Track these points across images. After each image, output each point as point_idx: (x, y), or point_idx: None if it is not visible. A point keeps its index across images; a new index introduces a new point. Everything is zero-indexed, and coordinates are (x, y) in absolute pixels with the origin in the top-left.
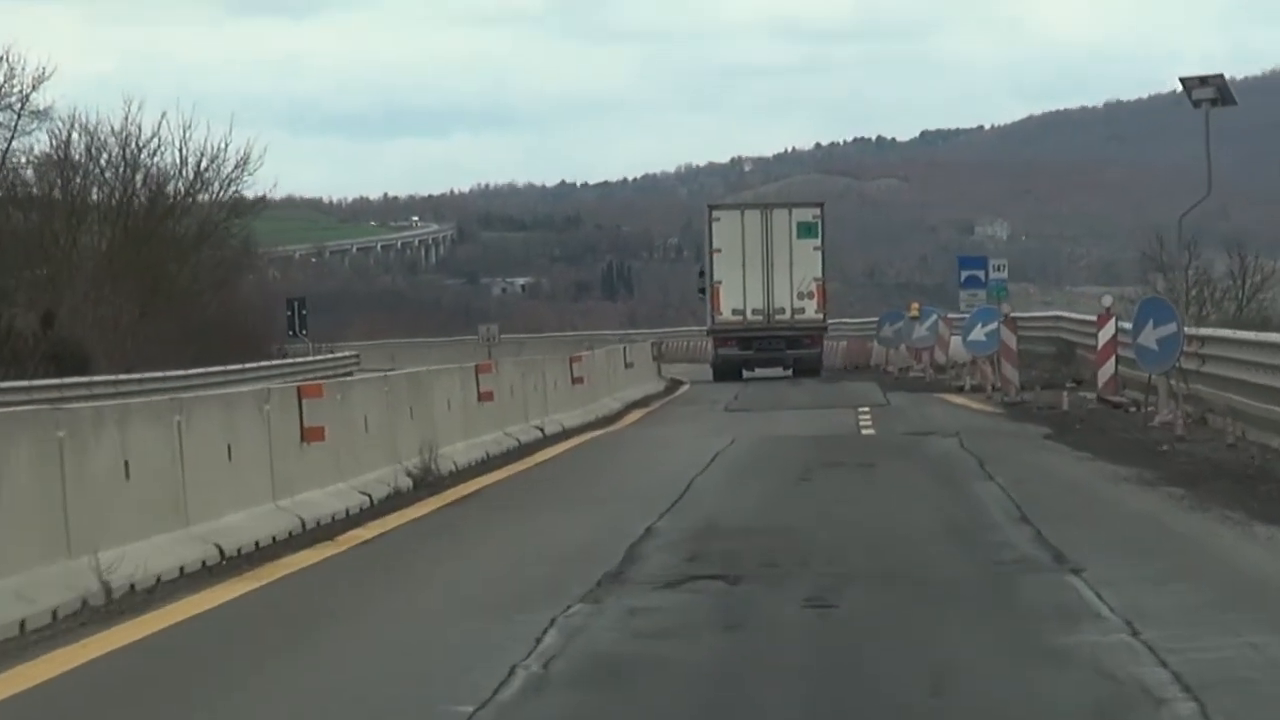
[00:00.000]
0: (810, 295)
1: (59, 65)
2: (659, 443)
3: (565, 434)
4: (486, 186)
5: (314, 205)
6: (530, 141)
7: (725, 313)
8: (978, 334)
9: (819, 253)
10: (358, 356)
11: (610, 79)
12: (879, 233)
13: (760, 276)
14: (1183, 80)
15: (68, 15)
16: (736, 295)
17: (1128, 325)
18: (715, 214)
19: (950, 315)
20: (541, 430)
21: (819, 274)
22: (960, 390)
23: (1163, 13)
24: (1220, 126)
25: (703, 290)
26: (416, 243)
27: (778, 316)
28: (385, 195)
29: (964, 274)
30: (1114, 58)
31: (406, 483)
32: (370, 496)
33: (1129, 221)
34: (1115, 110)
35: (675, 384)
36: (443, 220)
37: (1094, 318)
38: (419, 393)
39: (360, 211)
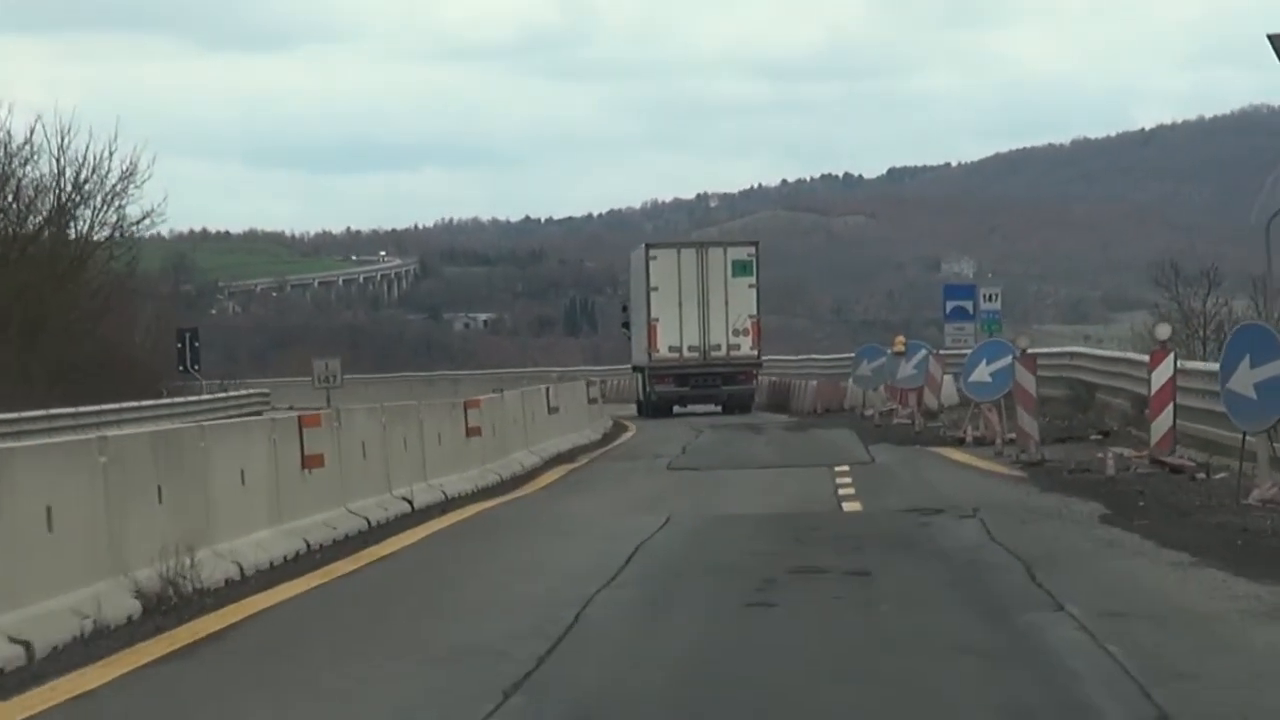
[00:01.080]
0: (745, 332)
1: (22, 99)
2: (564, 524)
3: (446, 505)
4: (451, 221)
5: (276, 239)
6: (496, 177)
7: (662, 350)
8: (981, 374)
9: (754, 290)
10: (267, 394)
11: (578, 114)
12: (846, 269)
13: (696, 314)
14: (1270, 37)
15: (36, 51)
16: (673, 332)
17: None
18: (652, 253)
19: (940, 351)
20: (410, 502)
21: (754, 311)
22: (960, 443)
23: (1131, 52)
24: (1189, 165)
25: (626, 326)
26: (379, 277)
27: (713, 353)
28: (349, 229)
29: (949, 305)
30: (1081, 96)
31: (119, 611)
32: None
33: (1096, 260)
34: (1082, 148)
35: (619, 429)
36: (406, 255)
37: (1113, 354)
38: (181, 464)
39: (323, 245)
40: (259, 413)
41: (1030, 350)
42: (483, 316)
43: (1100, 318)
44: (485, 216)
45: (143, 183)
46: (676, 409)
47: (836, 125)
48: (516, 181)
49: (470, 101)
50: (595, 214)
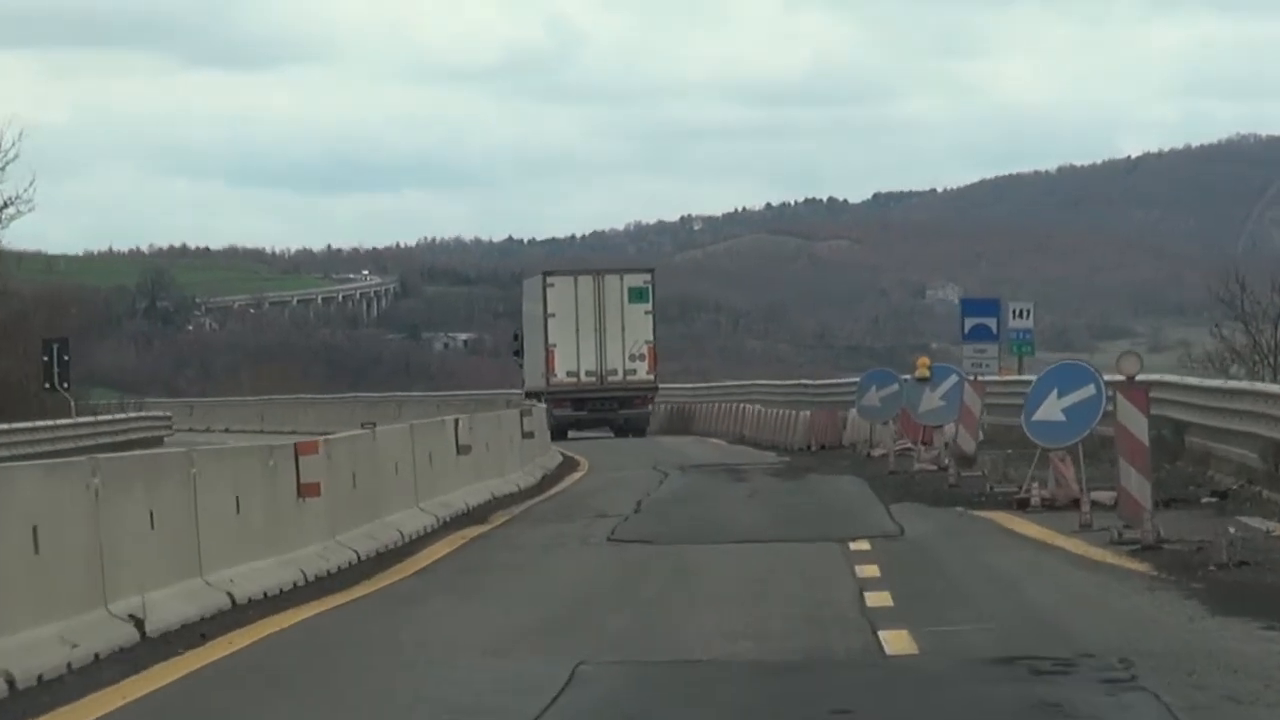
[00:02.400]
0: (642, 357)
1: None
2: (375, 684)
3: (226, 616)
4: (433, 241)
5: (256, 256)
6: (480, 198)
7: (560, 374)
8: (1051, 410)
9: (650, 316)
10: (169, 418)
11: (562, 136)
12: (829, 294)
13: (593, 340)
14: None
15: (25, 66)
16: (570, 358)
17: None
18: (550, 280)
19: (978, 377)
20: (139, 624)
21: (650, 337)
22: (1022, 506)
23: (1117, 81)
24: (1174, 195)
25: (518, 354)
26: (358, 295)
27: (610, 378)
28: (329, 247)
29: (968, 323)
30: (1067, 123)
31: None
32: None
33: (1081, 287)
34: (1068, 175)
35: (567, 468)
36: (386, 274)
37: (1223, 384)
38: None
39: (303, 263)
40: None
41: (1139, 378)
42: (463, 336)
43: (1086, 346)
44: (468, 236)
45: (6, 163)
46: (572, 433)
47: (822, 150)
48: (500, 202)
49: (454, 122)
50: (578, 235)
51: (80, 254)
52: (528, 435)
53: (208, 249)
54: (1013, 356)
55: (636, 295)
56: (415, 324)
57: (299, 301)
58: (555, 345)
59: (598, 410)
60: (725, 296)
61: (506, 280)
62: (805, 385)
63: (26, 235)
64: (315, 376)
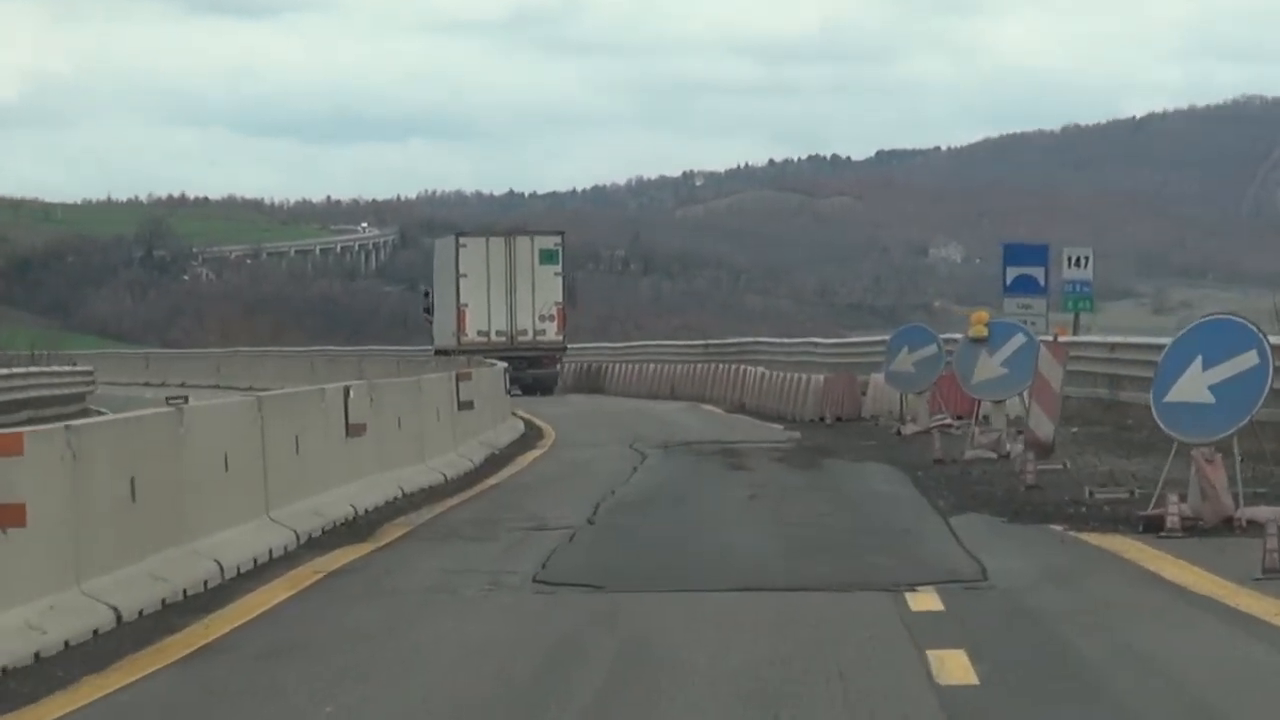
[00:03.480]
0: (551, 318)
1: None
2: None
3: None
4: (434, 194)
5: (255, 206)
6: (482, 150)
7: (471, 334)
8: (1193, 388)
9: (560, 278)
10: (90, 372)
11: (566, 91)
12: (831, 251)
13: (504, 300)
14: None
15: (28, 13)
16: (482, 317)
17: None
18: (462, 241)
19: (1061, 338)
20: None
21: (559, 298)
22: (1157, 527)
23: (1122, 41)
24: (1178, 156)
25: (428, 311)
26: (357, 247)
27: (520, 338)
28: (328, 198)
29: (1011, 274)
30: (1072, 83)
31: None
32: None
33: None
34: (1073, 135)
35: (527, 440)
36: (386, 226)
37: None
38: None
39: (302, 214)
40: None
41: None
42: None
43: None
44: (469, 189)
45: None
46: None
47: (825, 108)
48: (501, 156)
49: (458, 75)
50: (579, 189)
51: (79, 202)
52: (465, 406)
53: (206, 199)
54: (1067, 314)
55: (547, 257)
56: (414, 276)
57: (297, 252)
58: (467, 305)
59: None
60: (726, 252)
61: (507, 232)
62: (815, 345)
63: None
64: (311, 328)
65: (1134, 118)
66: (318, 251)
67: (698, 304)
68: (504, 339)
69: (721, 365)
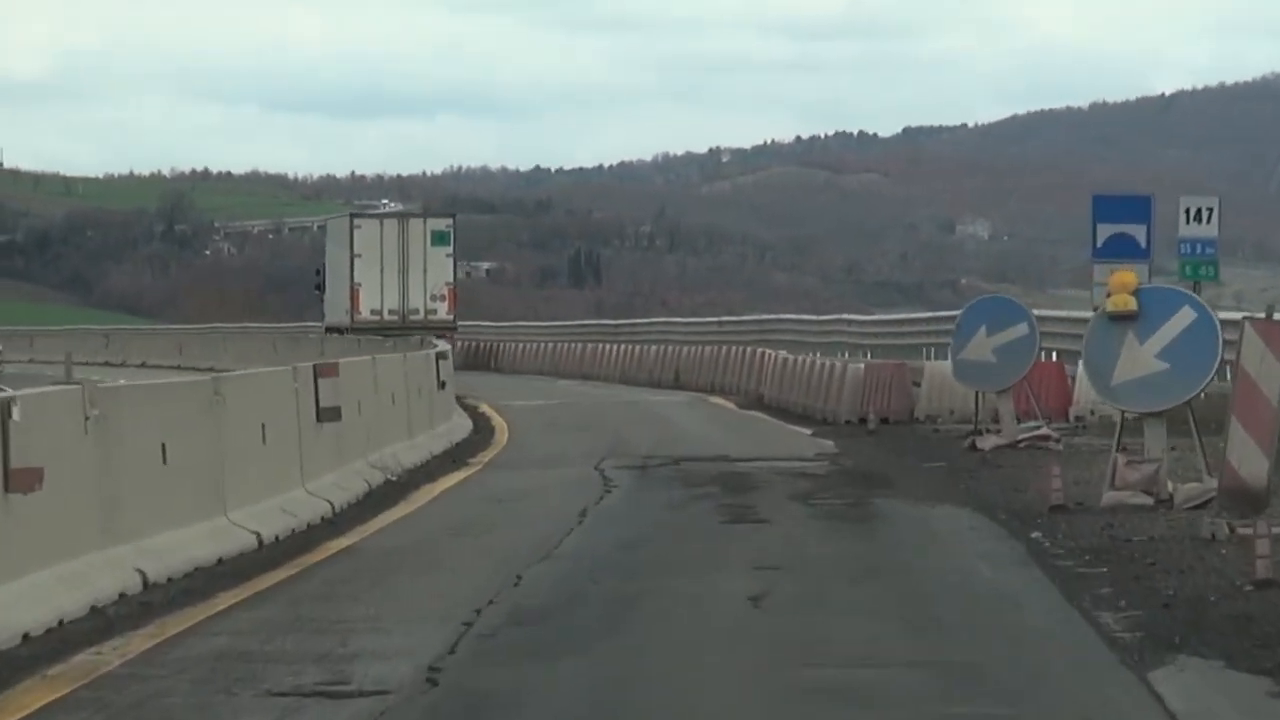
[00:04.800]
0: (442, 298)
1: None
2: None
3: None
4: (459, 169)
5: (279, 181)
6: (508, 126)
7: (364, 312)
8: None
9: (450, 259)
10: None
11: (593, 66)
12: (857, 228)
13: (397, 280)
14: None
15: None
16: (375, 296)
17: None
18: (357, 222)
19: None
20: None
21: (450, 279)
22: None
23: (1151, 18)
24: (1208, 133)
25: (319, 289)
26: None
27: (412, 317)
28: (353, 174)
29: (1104, 233)
30: (1101, 60)
31: None
32: None
33: None
34: (1101, 112)
35: (462, 450)
36: (410, 201)
37: None
38: None
39: (326, 189)
40: None
41: None
42: (485, 265)
43: None
44: (494, 165)
45: None
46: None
47: (852, 84)
48: (528, 131)
49: (487, 50)
50: (606, 165)
51: (100, 176)
52: (327, 415)
53: (230, 173)
54: (1183, 282)
55: (439, 239)
56: None
57: (319, 227)
58: (360, 284)
59: None
60: (752, 229)
61: (532, 209)
62: (848, 323)
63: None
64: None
65: (1163, 94)
66: None
67: (723, 280)
68: (396, 317)
69: (736, 348)
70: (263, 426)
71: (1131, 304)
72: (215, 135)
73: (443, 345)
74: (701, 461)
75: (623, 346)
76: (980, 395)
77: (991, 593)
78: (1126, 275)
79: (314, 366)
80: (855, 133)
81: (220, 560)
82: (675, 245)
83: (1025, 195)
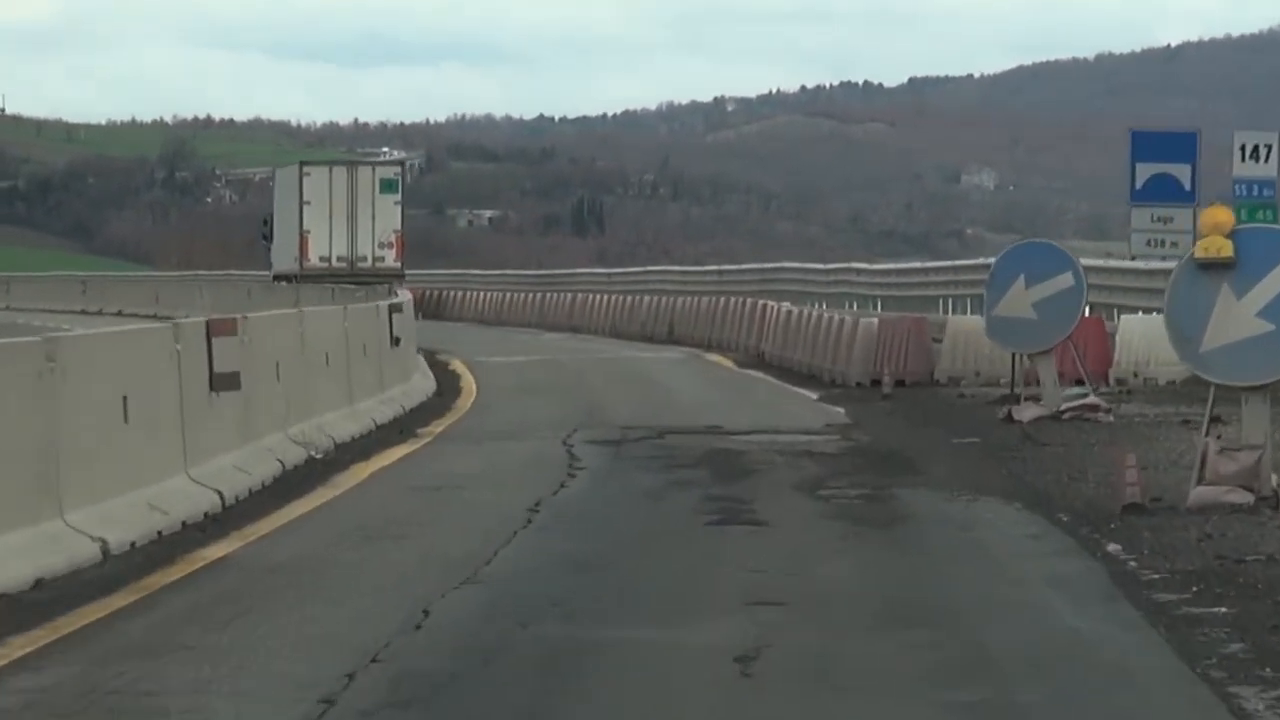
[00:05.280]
0: (390, 245)
1: None
2: None
3: None
4: (463, 118)
5: (281, 129)
6: (512, 75)
7: (313, 259)
8: None
9: (399, 207)
10: None
11: (599, 15)
12: (862, 178)
13: (346, 227)
14: None
15: None
16: (324, 243)
17: None
18: (306, 169)
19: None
20: None
21: (398, 226)
22: None
23: None
24: (1215, 84)
25: (266, 237)
26: None
27: (360, 264)
28: (356, 121)
29: (1143, 173)
30: (1107, 11)
31: None
32: None
33: (1119, 176)
34: (1107, 63)
35: (410, 419)
36: (413, 149)
37: None
38: None
39: (329, 137)
40: None
41: None
42: (487, 214)
43: (1122, 235)
44: (498, 114)
45: None
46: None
47: (857, 34)
48: (532, 80)
49: None
50: (610, 114)
51: (103, 123)
52: (223, 382)
53: (232, 120)
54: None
55: (387, 187)
56: (440, 200)
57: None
58: (310, 231)
59: None
60: (757, 178)
61: (536, 157)
62: (857, 272)
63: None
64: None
65: (1169, 45)
66: None
67: (727, 229)
68: (345, 265)
69: (735, 300)
70: (124, 400)
71: (1227, 249)
72: (219, 82)
73: (403, 295)
74: (689, 434)
75: (614, 297)
76: (1018, 357)
77: (1080, 649)
78: (1220, 212)
79: (206, 323)
80: (860, 83)
81: (39, 582)
82: (679, 194)
83: (1031, 146)
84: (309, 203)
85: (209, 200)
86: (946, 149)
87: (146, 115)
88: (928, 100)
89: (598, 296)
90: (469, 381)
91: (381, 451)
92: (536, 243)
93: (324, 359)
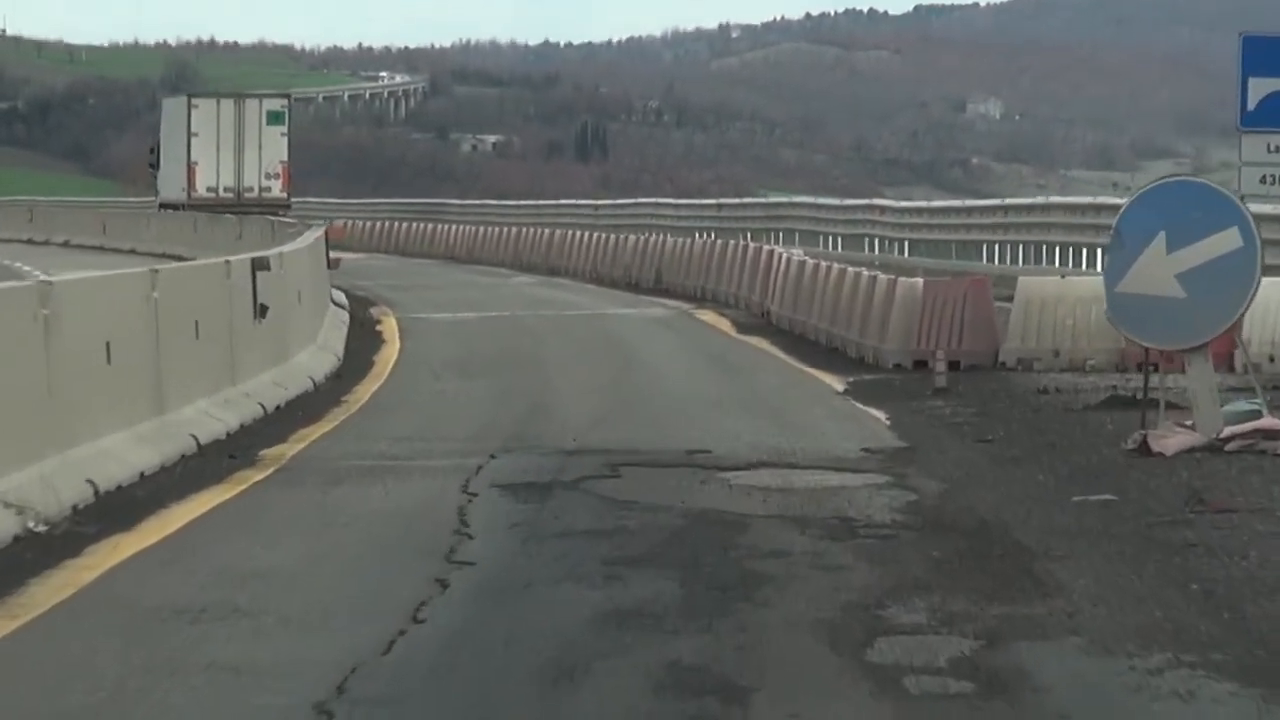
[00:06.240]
0: (276, 176)
1: None
2: None
3: None
4: (468, 42)
5: (285, 51)
6: (517, 0)
7: (200, 189)
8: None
9: (285, 138)
10: None
11: None
12: (867, 106)
13: (232, 158)
14: None
15: None
16: (211, 173)
17: None
18: (194, 102)
19: None
20: None
21: (284, 157)
22: None
23: None
24: (1220, 13)
25: (154, 166)
26: (386, 94)
27: (247, 194)
28: (360, 45)
29: (1257, 90)
30: None
31: None
32: None
33: (1125, 106)
34: None
35: (328, 388)
36: (417, 74)
37: None
38: None
39: (333, 60)
40: None
41: None
42: (491, 139)
43: (1128, 164)
44: (504, 39)
45: None
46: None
47: None
48: (537, 6)
49: None
50: (615, 41)
51: (105, 44)
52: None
53: (236, 43)
54: None
55: (274, 119)
56: (444, 125)
57: (325, 99)
58: (197, 162)
59: None
60: (760, 106)
61: (540, 83)
62: (880, 210)
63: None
64: (337, 176)
65: None
66: (346, 98)
67: (731, 157)
68: (231, 194)
69: (736, 244)
70: None
71: None
72: (222, 4)
73: (294, 245)
74: (661, 469)
75: (597, 236)
76: (1154, 356)
77: None
78: None
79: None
80: (866, 10)
81: None
82: (683, 121)
83: (1038, 75)
84: (196, 134)
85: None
86: (952, 77)
87: (149, 37)
88: (933, 28)
89: (579, 234)
90: (390, 353)
91: (156, 513)
92: (540, 168)
93: (103, 352)
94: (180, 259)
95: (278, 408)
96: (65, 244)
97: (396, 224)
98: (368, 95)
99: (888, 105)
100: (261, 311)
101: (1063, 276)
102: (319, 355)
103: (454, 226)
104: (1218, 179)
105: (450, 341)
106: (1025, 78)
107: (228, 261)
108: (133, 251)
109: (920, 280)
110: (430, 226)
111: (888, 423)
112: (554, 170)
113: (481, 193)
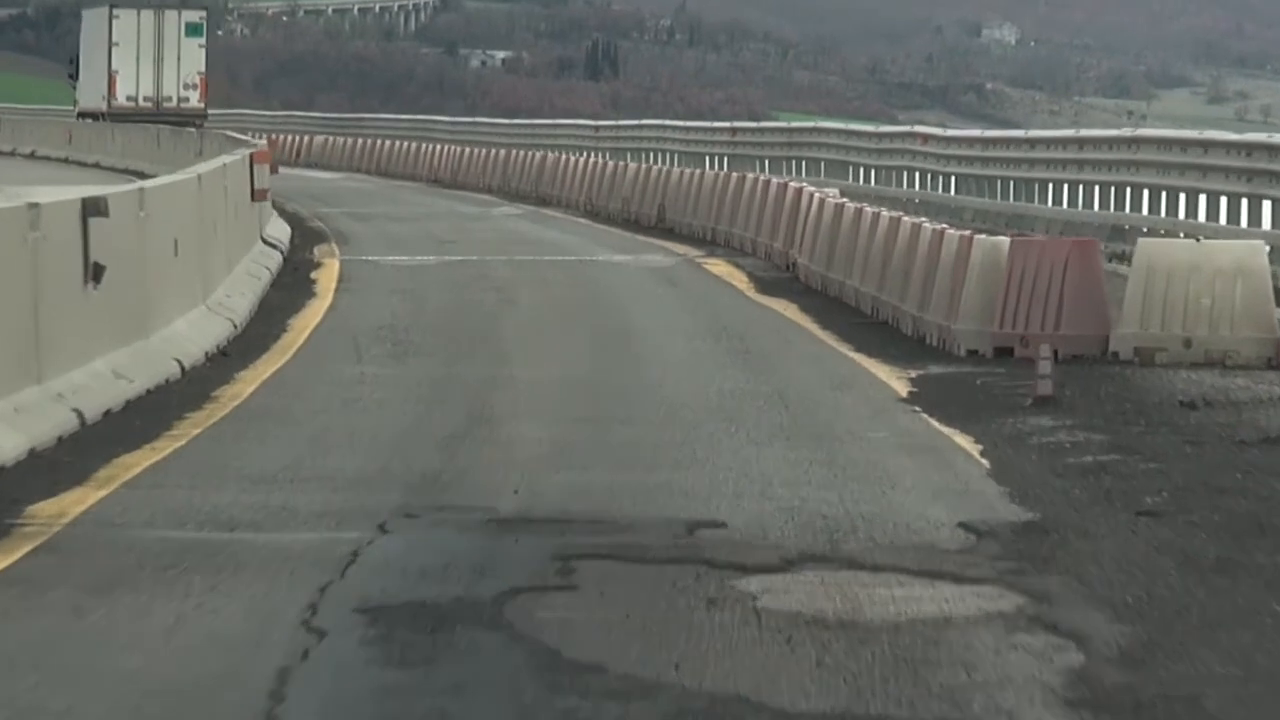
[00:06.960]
0: (194, 86)
1: None
2: None
3: None
4: None
5: None
6: None
7: (120, 99)
8: None
9: (203, 50)
10: None
11: None
12: (881, 29)
13: (152, 68)
14: None
15: None
16: (131, 83)
17: None
18: (115, 12)
19: None
20: None
21: (202, 68)
22: None
23: None
24: None
25: (73, 76)
26: (396, 7)
27: (165, 104)
28: None
29: None
30: None
31: None
32: None
33: (1141, 34)
34: None
35: (202, 375)
36: None
37: None
38: None
39: None
40: None
41: None
42: (500, 55)
43: (1142, 93)
44: None
45: None
46: None
47: None
48: None
49: None
50: None
51: None
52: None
53: None
54: None
55: (192, 30)
56: (453, 40)
57: (334, 11)
58: (118, 71)
59: None
60: (774, 26)
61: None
62: (924, 139)
63: None
64: (344, 90)
65: None
66: (356, 11)
67: (743, 77)
68: (150, 104)
69: (756, 179)
70: None
71: None
72: None
73: (168, 179)
74: (643, 566)
75: (594, 162)
76: None
77: None
78: None
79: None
80: None
81: None
82: (695, 41)
83: (1054, 1)
84: (117, 44)
85: (219, 33)
86: (967, 2)
87: None
88: None
89: (573, 159)
90: (313, 315)
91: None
92: (549, 85)
93: None
94: (142, 175)
95: (106, 413)
96: (32, 155)
97: (380, 142)
98: (377, 8)
99: (903, 29)
100: (96, 273)
101: (1198, 239)
102: (205, 322)
103: (441, 147)
104: (1232, 109)
105: (395, 298)
106: (1041, 3)
107: (35, 205)
108: (97, 165)
109: (1006, 239)
110: (416, 146)
111: (985, 464)
112: (563, 88)
113: (490, 109)
